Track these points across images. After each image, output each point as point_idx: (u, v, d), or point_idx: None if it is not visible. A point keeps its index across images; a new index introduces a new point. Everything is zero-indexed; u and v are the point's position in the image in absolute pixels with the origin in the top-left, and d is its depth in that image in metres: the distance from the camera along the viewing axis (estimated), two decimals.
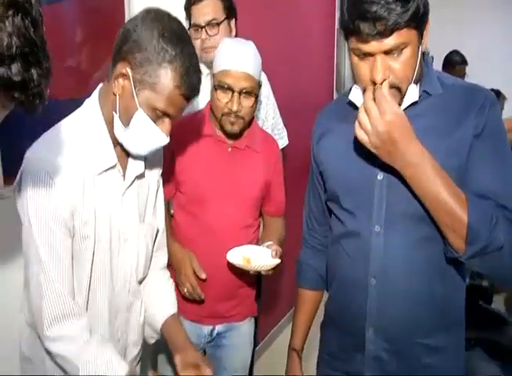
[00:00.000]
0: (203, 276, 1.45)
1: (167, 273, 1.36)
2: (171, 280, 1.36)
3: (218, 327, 1.61)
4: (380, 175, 1.06)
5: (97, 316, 1.13)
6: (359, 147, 1.05)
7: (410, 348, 1.09)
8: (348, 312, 1.15)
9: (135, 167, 1.14)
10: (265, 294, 2.07)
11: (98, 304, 1.13)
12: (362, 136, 0.97)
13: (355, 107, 1.04)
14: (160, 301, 1.28)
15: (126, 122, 1.04)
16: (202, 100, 1.56)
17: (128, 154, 1.13)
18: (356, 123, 0.98)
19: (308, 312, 1.39)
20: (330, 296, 1.28)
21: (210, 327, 1.60)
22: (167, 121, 1.05)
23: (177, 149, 1.45)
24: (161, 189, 1.30)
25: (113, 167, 1.09)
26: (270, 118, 1.94)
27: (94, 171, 1.05)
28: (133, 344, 1.27)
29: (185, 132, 1.48)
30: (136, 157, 1.14)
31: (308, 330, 1.41)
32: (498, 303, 2.67)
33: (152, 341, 1.32)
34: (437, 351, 1.10)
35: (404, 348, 1.09)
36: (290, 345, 1.41)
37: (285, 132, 2.05)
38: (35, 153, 1.01)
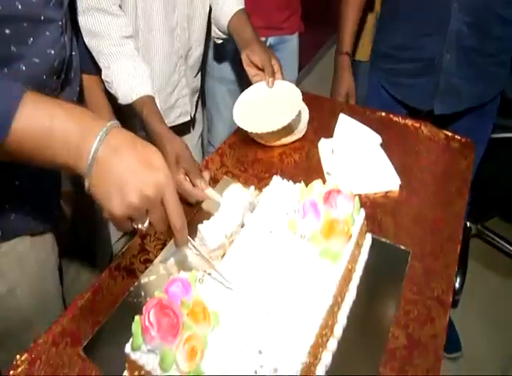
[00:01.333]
0: None
1: None
2: None
3: (271, 39, 1.67)
4: None
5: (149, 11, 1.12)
6: None
7: (488, 19, 1.18)
8: None
9: None
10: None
11: None
12: None
13: None
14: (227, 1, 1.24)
15: None
16: None
17: None
18: None
19: (355, 11, 1.38)
20: None
21: (263, 39, 1.63)
22: None
23: None
24: None
25: None
26: None
27: None
28: (196, 44, 1.29)
29: None
30: None
31: (356, 32, 1.43)
32: None
33: (219, 41, 1.33)
34: (508, 23, 1.19)
35: (482, 20, 1.18)
36: (337, 51, 1.44)
37: None
38: None
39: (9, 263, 0.81)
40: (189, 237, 0.68)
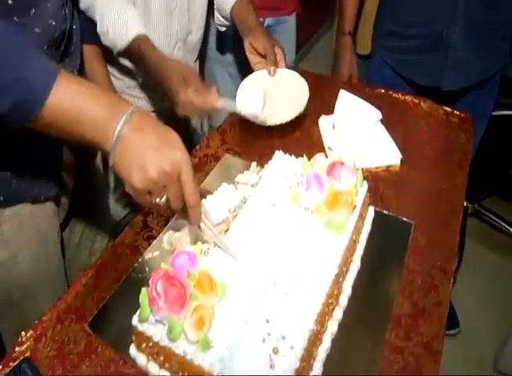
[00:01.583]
0: None
1: None
2: None
3: (268, 20, 1.65)
4: None
5: None
6: None
7: None
8: None
9: None
10: None
11: None
12: None
13: None
14: None
15: None
16: None
17: None
18: None
19: None
20: None
21: (261, 20, 1.62)
22: None
23: None
24: None
25: None
26: None
27: None
28: (196, 28, 1.27)
29: None
30: None
31: (357, 11, 1.41)
32: None
33: (222, 29, 1.31)
34: None
35: None
36: (338, 32, 1.43)
37: None
38: None
39: (11, 230, 0.83)
40: (202, 215, 0.70)
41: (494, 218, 2.05)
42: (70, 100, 0.58)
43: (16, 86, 0.55)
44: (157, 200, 0.64)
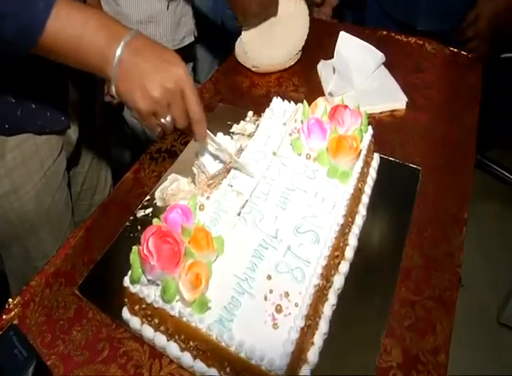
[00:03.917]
0: None
1: None
2: None
3: None
4: None
5: None
6: None
7: None
8: None
9: None
10: None
11: None
12: None
13: None
14: None
15: None
16: None
17: None
18: None
19: None
20: None
21: None
22: None
23: None
24: None
25: None
26: None
27: None
28: None
29: None
30: None
31: None
32: None
33: None
34: None
35: None
36: None
37: None
38: None
39: (15, 160, 0.81)
40: (208, 131, 0.68)
41: (499, 169, 1.99)
42: (72, 27, 0.58)
43: (17, 12, 0.55)
44: (162, 120, 0.63)
